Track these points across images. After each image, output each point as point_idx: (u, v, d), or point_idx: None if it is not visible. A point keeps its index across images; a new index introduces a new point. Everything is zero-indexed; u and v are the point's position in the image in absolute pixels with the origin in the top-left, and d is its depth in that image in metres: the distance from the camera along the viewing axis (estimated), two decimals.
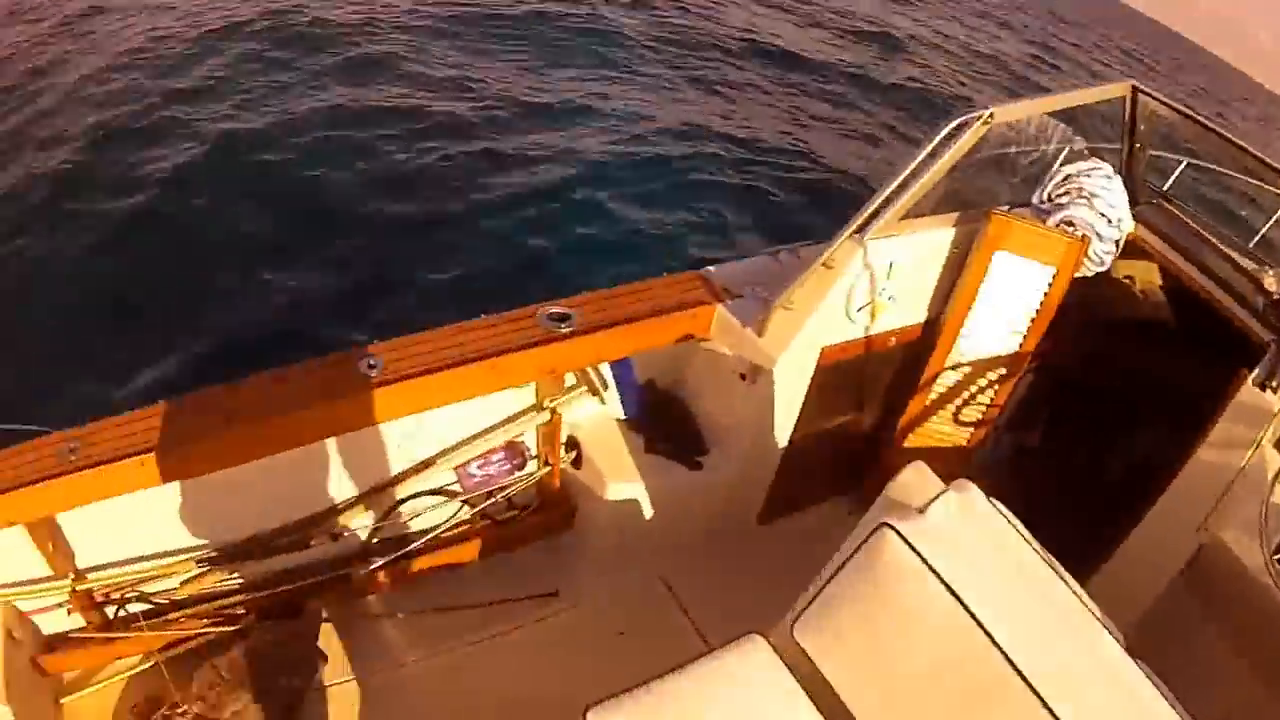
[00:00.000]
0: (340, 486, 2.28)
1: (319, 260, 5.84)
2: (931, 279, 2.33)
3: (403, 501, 2.36)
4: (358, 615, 2.40)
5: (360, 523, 2.36)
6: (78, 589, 2.07)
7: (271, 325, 5.22)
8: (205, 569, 2.19)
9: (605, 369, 2.35)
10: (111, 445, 1.88)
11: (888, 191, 2.00)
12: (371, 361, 2.04)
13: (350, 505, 2.30)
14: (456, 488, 2.46)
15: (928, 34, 17.02)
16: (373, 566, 2.35)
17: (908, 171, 1.99)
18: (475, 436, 2.37)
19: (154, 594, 2.19)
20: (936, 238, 2.27)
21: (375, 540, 2.40)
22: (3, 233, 5.72)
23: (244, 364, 2.08)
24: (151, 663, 2.20)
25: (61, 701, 2.19)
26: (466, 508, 2.50)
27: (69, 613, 2.13)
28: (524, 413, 2.36)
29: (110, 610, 2.17)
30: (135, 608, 2.17)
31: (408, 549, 2.39)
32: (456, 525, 2.50)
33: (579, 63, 10.31)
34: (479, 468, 2.47)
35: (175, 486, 2.02)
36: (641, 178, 7.69)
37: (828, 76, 12.35)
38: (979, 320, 2.34)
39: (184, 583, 2.20)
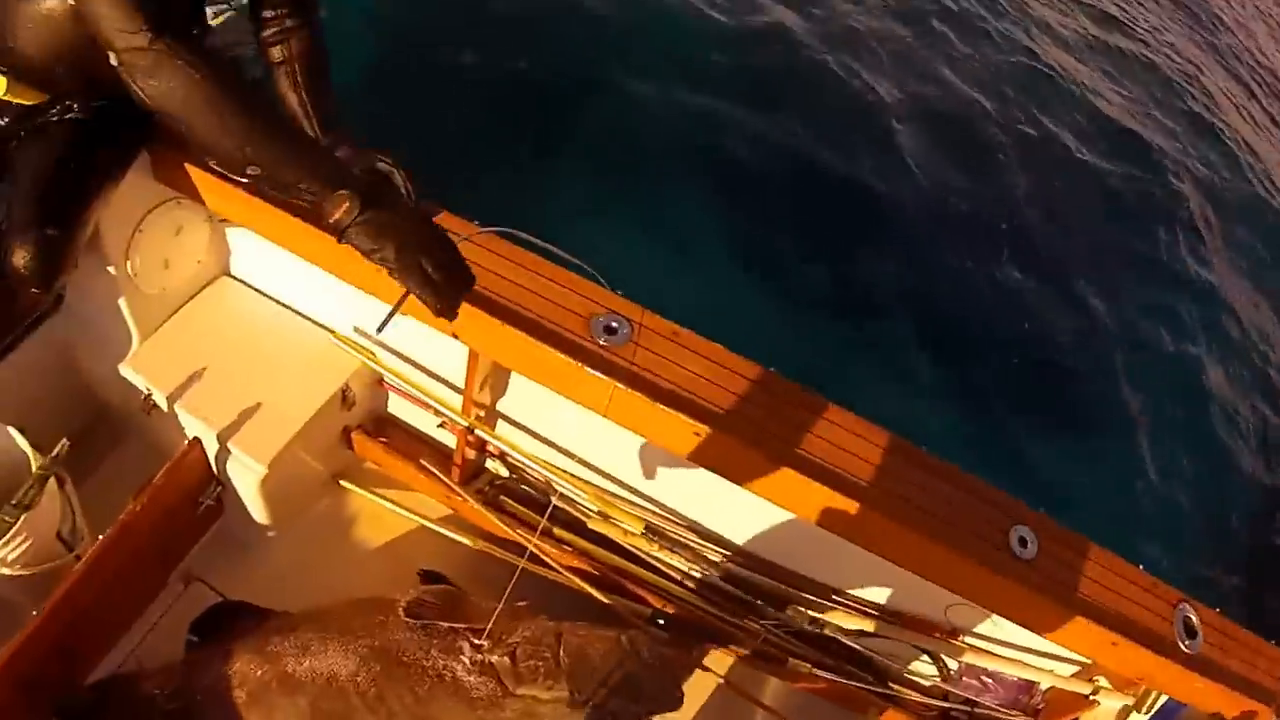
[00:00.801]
0: (864, 588, 2.04)
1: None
2: None
3: (897, 642, 2.07)
4: (745, 687, 2.15)
5: (844, 622, 2.08)
6: (476, 431, 1.88)
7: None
8: (638, 531, 1.95)
9: (1163, 697, 2.00)
10: (678, 379, 1.53)
11: None
12: (1024, 536, 1.66)
13: (854, 606, 2.06)
14: (950, 665, 2.11)
15: None
16: (809, 661, 2.10)
17: None
18: (1009, 645, 2.06)
19: (558, 493, 2.01)
20: None
21: (835, 644, 2.12)
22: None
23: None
24: (471, 542, 2.02)
25: (340, 482, 2.07)
26: (933, 684, 2.16)
27: (440, 425, 1.96)
28: (1066, 665, 2.04)
29: (494, 465, 2.03)
30: (517, 487, 2.01)
31: (851, 673, 2.11)
32: (910, 689, 2.19)
33: None
34: (984, 677, 2.09)
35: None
36: None
37: None
38: None
39: (598, 514, 1.99)
